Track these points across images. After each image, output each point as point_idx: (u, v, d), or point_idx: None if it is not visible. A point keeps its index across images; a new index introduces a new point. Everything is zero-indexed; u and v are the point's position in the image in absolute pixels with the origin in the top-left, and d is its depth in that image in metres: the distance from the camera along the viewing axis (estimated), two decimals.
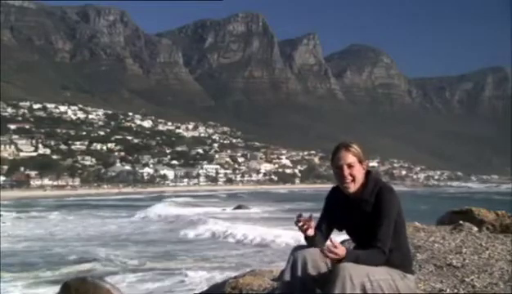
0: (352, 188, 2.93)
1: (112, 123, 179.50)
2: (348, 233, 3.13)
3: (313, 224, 2.93)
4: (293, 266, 2.94)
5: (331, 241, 2.77)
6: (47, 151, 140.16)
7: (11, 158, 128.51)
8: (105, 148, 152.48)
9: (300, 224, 2.89)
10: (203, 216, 35.95)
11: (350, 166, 2.92)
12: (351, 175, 2.92)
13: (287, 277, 2.96)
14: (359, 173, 2.94)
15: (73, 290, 9.42)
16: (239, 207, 49.68)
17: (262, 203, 58.67)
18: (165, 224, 34.49)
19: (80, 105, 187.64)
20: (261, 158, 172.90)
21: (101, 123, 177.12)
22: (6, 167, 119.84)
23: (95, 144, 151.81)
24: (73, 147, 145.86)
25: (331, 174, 3.07)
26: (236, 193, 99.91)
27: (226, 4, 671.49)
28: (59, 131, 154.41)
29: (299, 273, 2.90)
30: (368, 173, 2.98)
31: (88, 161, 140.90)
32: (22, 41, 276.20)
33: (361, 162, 2.95)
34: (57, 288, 10.20)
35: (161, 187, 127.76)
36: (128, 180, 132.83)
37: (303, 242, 3.00)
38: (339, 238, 4.00)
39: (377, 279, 2.79)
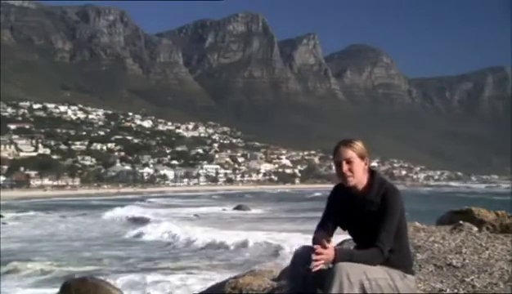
0: (353, 181, 2.94)
1: (112, 123, 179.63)
2: (351, 233, 3.11)
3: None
4: (294, 261, 2.97)
5: (320, 242, 2.77)
6: (47, 151, 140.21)
7: (11, 158, 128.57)
8: (105, 148, 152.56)
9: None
10: (156, 218, 35.47)
11: (349, 161, 2.94)
12: (350, 170, 2.93)
13: (289, 272, 3.04)
14: (359, 168, 2.94)
15: (73, 290, 9.44)
16: (239, 208, 49.57)
17: (259, 204, 58.15)
18: (107, 227, 33.86)
19: (80, 105, 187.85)
20: (261, 158, 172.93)
21: (101, 123, 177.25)
22: (6, 167, 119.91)
23: (95, 144, 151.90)
24: (73, 147, 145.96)
25: (331, 174, 3.09)
26: (223, 194, 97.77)
27: (226, 4, 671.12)
28: (59, 131, 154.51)
29: (300, 269, 2.89)
30: (373, 173, 2.99)
31: (88, 161, 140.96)
32: (22, 41, 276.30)
33: (362, 157, 2.96)
34: (57, 288, 10.23)
35: (161, 187, 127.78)
36: (127, 180, 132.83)
37: (294, 244, 3.16)
38: (339, 237, 3.98)
39: (375, 278, 2.79)
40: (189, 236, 24.77)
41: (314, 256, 2.72)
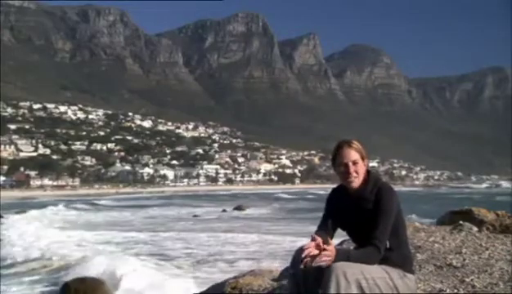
0: (357, 183, 2.96)
1: (112, 123, 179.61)
2: (349, 234, 3.12)
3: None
4: (294, 260, 2.95)
5: (321, 245, 2.75)
6: (47, 151, 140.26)
7: (11, 158, 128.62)
8: (105, 148, 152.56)
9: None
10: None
11: (355, 163, 2.95)
12: (356, 171, 2.95)
13: (289, 269, 3.00)
14: (362, 169, 2.97)
15: (72, 290, 9.44)
16: (239, 208, 49.36)
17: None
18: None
19: (80, 105, 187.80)
20: (261, 158, 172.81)
21: (100, 123, 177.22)
22: (6, 167, 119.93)
23: (95, 144, 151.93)
24: (73, 147, 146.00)
25: (331, 174, 3.09)
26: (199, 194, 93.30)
27: (226, 4, 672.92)
28: (59, 131, 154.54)
29: (300, 267, 2.85)
30: (368, 172, 3.01)
31: (88, 161, 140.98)
32: (22, 41, 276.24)
33: (363, 158, 2.99)
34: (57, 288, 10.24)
35: (161, 187, 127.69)
36: (127, 180, 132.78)
37: (293, 245, 3.12)
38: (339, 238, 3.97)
39: (373, 277, 2.77)
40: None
41: (321, 259, 2.71)
